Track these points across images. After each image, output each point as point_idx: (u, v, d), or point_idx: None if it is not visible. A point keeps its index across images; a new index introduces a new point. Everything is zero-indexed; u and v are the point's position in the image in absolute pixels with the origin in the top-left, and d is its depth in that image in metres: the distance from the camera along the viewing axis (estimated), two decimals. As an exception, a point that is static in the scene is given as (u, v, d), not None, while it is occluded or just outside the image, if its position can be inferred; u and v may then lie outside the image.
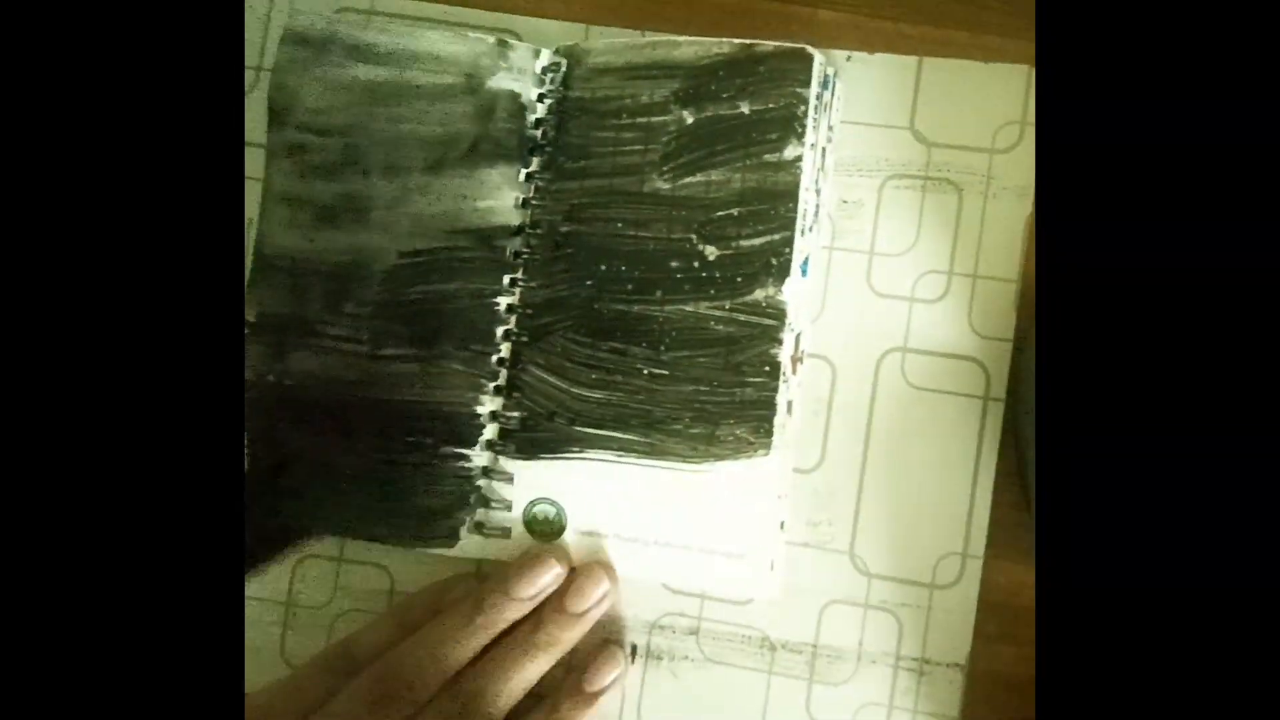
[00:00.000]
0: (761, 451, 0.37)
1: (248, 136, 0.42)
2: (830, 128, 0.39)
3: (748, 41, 0.38)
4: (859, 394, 0.40)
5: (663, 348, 0.38)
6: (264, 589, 0.42)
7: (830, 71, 0.39)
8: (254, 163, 0.42)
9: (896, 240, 0.40)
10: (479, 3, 0.42)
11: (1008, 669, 0.39)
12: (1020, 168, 0.39)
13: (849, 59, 0.40)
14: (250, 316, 0.40)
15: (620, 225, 0.39)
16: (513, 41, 0.40)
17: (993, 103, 0.39)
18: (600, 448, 0.39)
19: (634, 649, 0.40)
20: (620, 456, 0.38)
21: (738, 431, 0.37)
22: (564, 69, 0.40)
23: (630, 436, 0.38)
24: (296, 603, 0.42)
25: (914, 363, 0.40)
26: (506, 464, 0.39)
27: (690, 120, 0.38)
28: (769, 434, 0.37)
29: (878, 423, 0.40)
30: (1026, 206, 0.39)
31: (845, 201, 0.40)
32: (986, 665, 0.39)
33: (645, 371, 0.38)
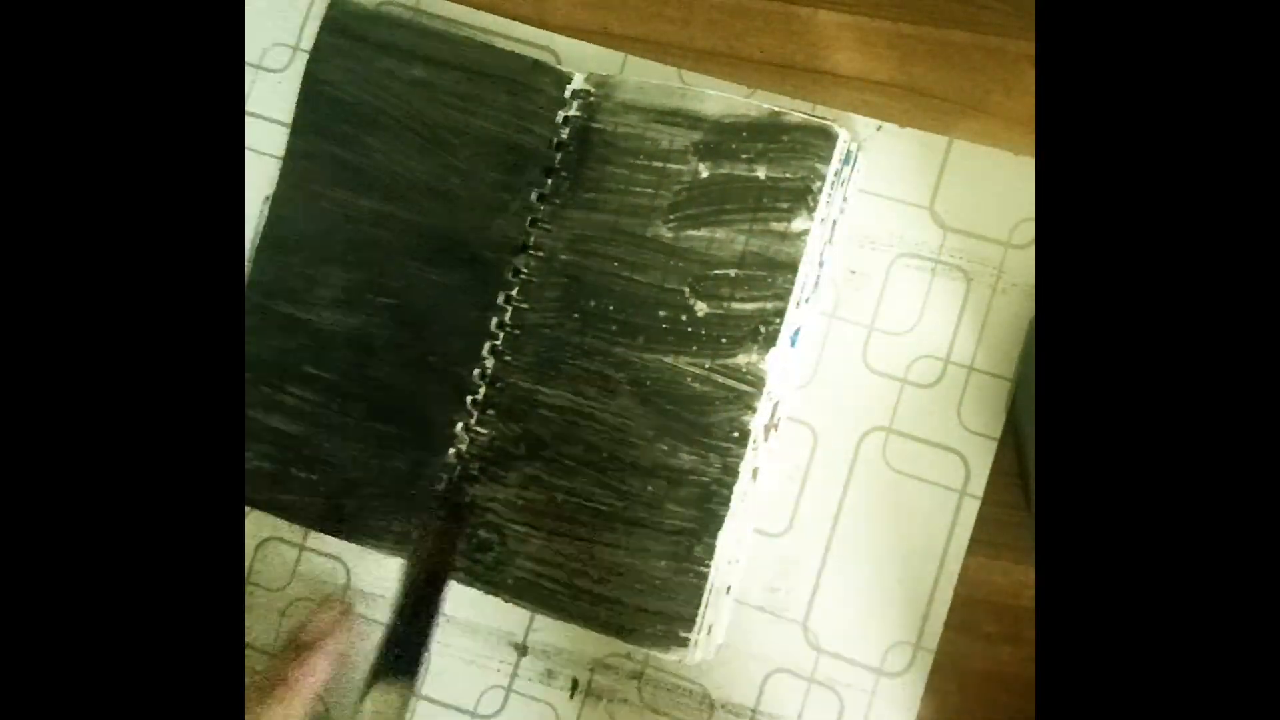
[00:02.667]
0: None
1: (276, 115, 0.43)
2: (845, 199, 0.39)
3: (776, 109, 0.38)
4: (837, 467, 0.39)
5: (635, 404, 0.38)
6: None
7: (853, 148, 0.38)
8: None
9: (898, 319, 0.39)
10: (522, 17, 0.42)
11: (1008, 669, 0.38)
12: (1032, 267, 0.38)
13: (879, 129, 0.40)
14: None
15: (617, 265, 0.38)
16: (549, 64, 0.40)
17: (1015, 196, 0.39)
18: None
19: (575, 684, 0.40)
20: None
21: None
22: (593, 98, 0.39)
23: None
24: (254, 582, 0.42)
25: (896, 445, 0.39)
26: None
27: (705, 174, 0.38)
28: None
29: (851, 499, 0.39)
30: (1032, 307, 0.38)
31: (853, 272, 0.40)
32: (986, 665, 0.38)
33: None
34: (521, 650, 0.41)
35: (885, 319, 0.39)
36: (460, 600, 0.41)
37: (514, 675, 0.40)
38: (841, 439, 0.39)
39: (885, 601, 0.39)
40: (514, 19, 0.42)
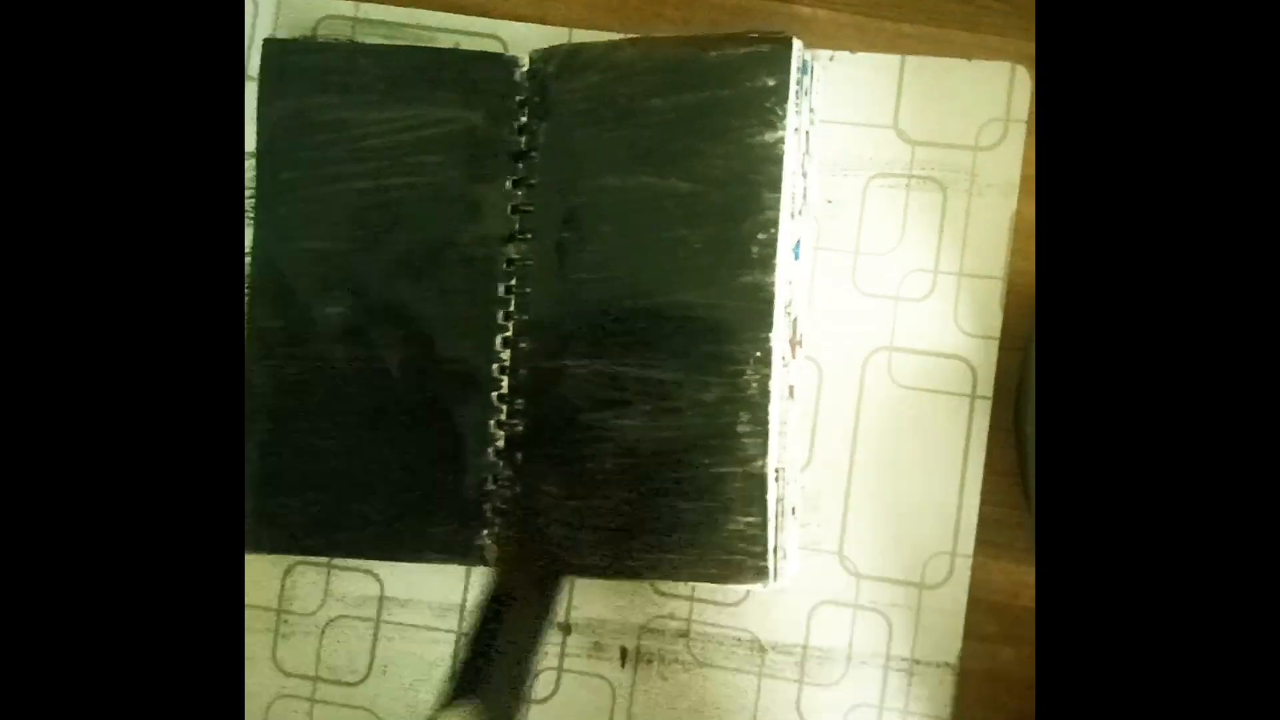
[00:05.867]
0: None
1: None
2: (812, 110, 0.39)
3: (725, 33, 0.38)
4: (846, 394, 0.40)
5: (658, 351, 0.38)
6: (254, 597, 0.42)
7: (808, 57, 0.39)
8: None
9: (881, 239, 0.40)
10: (466, 9, 0.43)
11: (1008, 669, 0.39)
12: (1004, 165, 0.39)
13: (831, 59, 0.40)
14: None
15: (607, 224, 0.39)
16: (493, 53, 0.40)
17: (976, 100, 0.39)
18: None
19: (624, 652, 0.40)
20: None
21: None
22: (543, 74, 0.40)
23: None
24: (288, 609, 0.42)
25: (900, 362, 0.39)
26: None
27: (673, 111, 0.38)
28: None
29: (865, 423, 0.39)
30: (1011, 203, 0.39)
31: (830, 201, 0.40)
32: (986, 665, 0.39)
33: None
34: (566, 629, 0.41)
35: (869, 242, 0.40)
36: (496, 591, 0.41)
37: (563, 655, 0.40)
38: (846, 365, 0.40)
39: (915, 516, 0.39)
40: (504, 15, 0.42)
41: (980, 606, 0.39)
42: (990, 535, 0.39)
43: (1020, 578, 0.39)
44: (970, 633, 0.39)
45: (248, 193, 0.42)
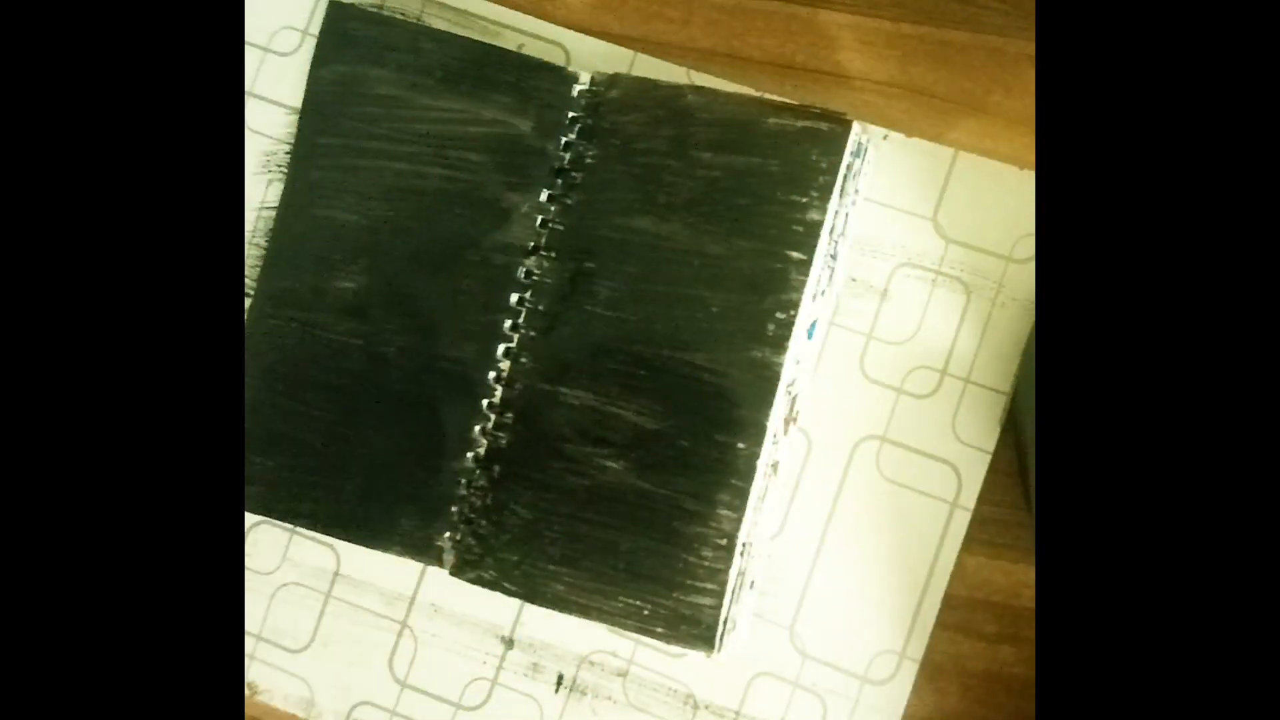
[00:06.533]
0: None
1: (285, 99, 0.43)
2: (856, 191, 0.39)
3: (790, 102, 0.38)
4: (830, 473, 0.39)
5: (654, 402, 0.38)
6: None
7: (864, 140, 0.38)
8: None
9: (897, 328, 0.39)
10: (529, 10, 0.42)
11: (1008, 669, 0.39)
12: (1032, 283, 0.39)
13: (885, 138, 0.40)
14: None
15: (632, 263, 0.38)
16: (555, 65, 0.40)
17: (1018, 211, 0.39)
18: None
19: (560, 679, 0.40)
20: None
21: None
22: (601, 98, 0.39)
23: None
24: (246, 566, 0.42)
25: (889, 454, 0.39)
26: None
27: (720, 169, 0.38)
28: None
29: (843, 506, 0.39)
30: (1031, 323, 0.39)
31: (854, 279, 0.40)
32: (986, 665, 0.39)
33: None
34: (509, 644, 0.41)
35: (884, 328, 0.39)
36: (450, 591, 0.41)
37: (500, 668, 0.41)
38: (835, 445, 0.39)
39: (873, 609, 0.39)
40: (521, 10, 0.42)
41: (980, 606, 0.39)
42: (990, 535, 0.39)
43: (1020, 578, 0.39)
44: (970, 633, 0.39)
45: (285, 148, 0.42)
